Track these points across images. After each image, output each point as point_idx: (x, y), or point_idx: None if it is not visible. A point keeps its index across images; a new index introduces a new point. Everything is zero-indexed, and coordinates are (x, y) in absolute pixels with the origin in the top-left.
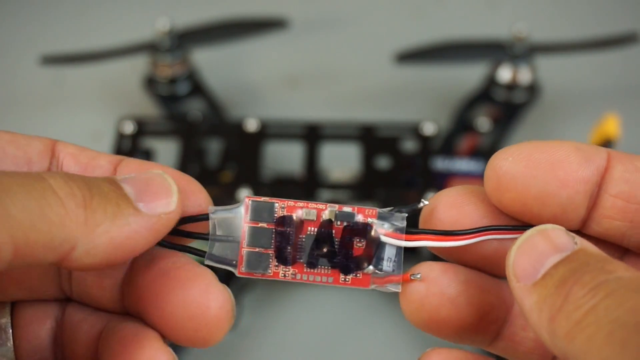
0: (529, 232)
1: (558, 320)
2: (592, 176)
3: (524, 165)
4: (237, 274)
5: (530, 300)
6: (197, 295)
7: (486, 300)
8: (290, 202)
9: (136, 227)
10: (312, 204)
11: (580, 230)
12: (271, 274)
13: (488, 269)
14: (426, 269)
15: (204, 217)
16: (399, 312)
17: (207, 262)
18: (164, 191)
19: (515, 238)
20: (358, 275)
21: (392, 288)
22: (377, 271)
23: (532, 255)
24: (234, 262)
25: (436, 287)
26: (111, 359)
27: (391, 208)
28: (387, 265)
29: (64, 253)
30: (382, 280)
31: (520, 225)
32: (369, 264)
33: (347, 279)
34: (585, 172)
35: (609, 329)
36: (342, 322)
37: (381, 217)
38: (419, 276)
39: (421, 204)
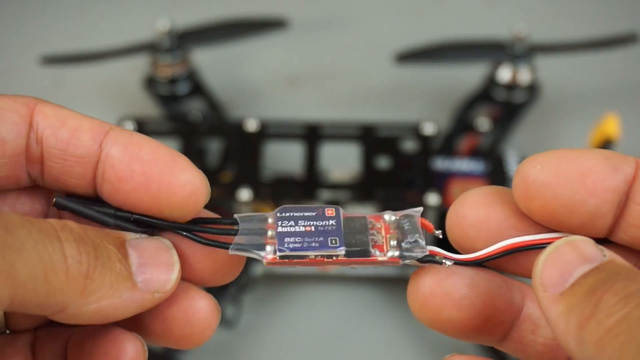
0: (557, 243)
1: (588, 327)
2: (620, 185)
3: (552, 174)
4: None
5: (557, 309)
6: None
7: (492, 304)
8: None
9: (126, 301)
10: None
11: (606, 238)
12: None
13: (503, 268)
14: (433, 269)
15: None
16: (400, 313)
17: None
18: (165, 268)
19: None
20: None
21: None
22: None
23: (560, 265)
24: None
25: (440, 288)
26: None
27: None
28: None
29: (52, 312)
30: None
31: (538, 241)
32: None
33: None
34: (613, 181)
35: None
36: (342, 322)
37: (403, 254)
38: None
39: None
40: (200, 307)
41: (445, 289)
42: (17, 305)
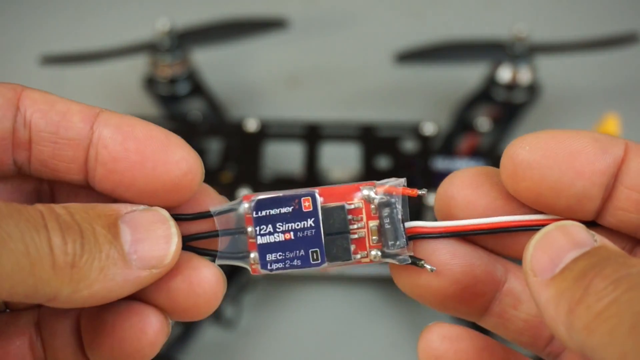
0: (548, 228)
1: (577, 312)
2: (608, 168)
3: (540, 155)
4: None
5: (547, 294)
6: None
7: (472, 273)
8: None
9: (121, 282)
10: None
11: (594, 221)
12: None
13: (488, 246)
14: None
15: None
16: (400, 313)
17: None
18: (162, 242)
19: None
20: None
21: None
22: (385, 251)
23: (551, 250)
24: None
25: (420, 253)
26: (106, 332)
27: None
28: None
29: (43, 301)
30: (393, 254)
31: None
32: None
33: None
34: (601, 163)
35: (632, 322)
36: (342, 322)
37: (386, 255)
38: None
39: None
40: (205, 277)
41: (424, 254)
42: (3, 296)
